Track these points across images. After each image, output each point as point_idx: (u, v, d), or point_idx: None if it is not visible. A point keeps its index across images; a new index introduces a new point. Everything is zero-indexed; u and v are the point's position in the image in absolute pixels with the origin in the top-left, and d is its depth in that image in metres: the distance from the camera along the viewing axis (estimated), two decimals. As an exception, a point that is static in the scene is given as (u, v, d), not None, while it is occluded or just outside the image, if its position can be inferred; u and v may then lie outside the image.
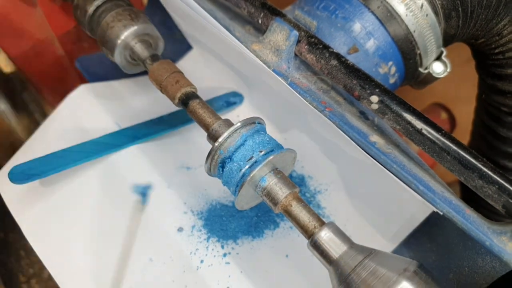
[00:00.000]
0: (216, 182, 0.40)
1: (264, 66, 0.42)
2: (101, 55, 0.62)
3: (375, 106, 0.38)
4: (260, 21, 0.45)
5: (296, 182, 0.52)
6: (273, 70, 0.43)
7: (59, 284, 0.46)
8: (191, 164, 0.53)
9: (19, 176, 0.46)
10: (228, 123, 0.40)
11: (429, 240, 0.42)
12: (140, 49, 0.48)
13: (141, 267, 0.46)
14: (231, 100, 0.58)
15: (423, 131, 0.36)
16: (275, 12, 0.44)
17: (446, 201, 0.36)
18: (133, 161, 0.52)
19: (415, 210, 0.39)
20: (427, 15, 0.45)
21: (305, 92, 0.43)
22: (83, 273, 0.46)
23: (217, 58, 0.58)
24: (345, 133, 0.40)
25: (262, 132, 0.38)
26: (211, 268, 0.46)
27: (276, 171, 0.37)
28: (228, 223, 0.48)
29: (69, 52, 0.69)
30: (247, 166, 0.36)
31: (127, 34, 0.47)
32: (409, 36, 0.46)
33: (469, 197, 0.44)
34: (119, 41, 0.47)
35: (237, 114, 0.58)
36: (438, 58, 0.51)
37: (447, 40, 0.49)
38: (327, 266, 0.34)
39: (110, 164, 0.51)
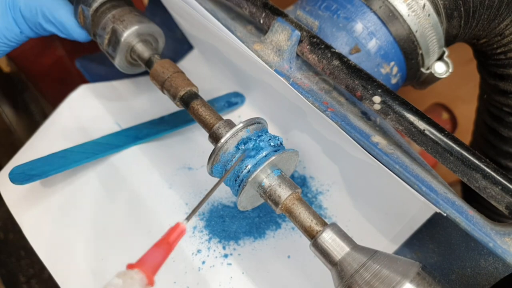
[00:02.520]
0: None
1: (266, 66, 0.42)
2: (101, 55, 0.62)
3: (377, 107, 0.38)
4: (261, 21, 0.45)
5: (298, 182, 0.52)
6: (275, 70, 0.43)
7: (59, 284, 0.46)
8: (193, 164, 0.53)
9: (20, 176, 0.45)
10: (230, 124, 0.39)
11: (431, 241, 0.41)
12: (141, 49, 0.47)
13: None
14: (233, 100, 0.58)
15: (426, 131, 0.36)
16: (277, 12, 0.44)
17: (449, 202, 0.36)
18: (134, 161, 0.52)
19: (417, 210, 0.39)
20: (429, 15, 0.45)
21: (307, 93, 0.42)
22: (83, 273, 0.46)
23: (218, 58, 0.57)
24: (347, 133, 0.39)
25: (264, 133, 0.38)
26: (213, 269, 0.45)
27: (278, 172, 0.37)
28: (229, 224, 0.48)
29: (69, 52, 0.69)
30: (249, 167, 0.36)
31: (128, 34, 0.47)
32: (411, 36, 0.46)
33: (471, 197, 0.44)
34: (120, 41, 0.47)
35: (239, 115, 0.58)
36: (440, 58, 0.50)
37: (449, 40, 0.49)
38: (329, 267, 0.33)
39: (111, 165, 0.51)
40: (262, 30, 0.47)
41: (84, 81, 0.60)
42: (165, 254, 0.29)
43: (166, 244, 0.29)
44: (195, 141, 0.56)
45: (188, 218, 0.31)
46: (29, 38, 0.52)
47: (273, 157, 0.36)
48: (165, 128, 0.54)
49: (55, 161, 0.48)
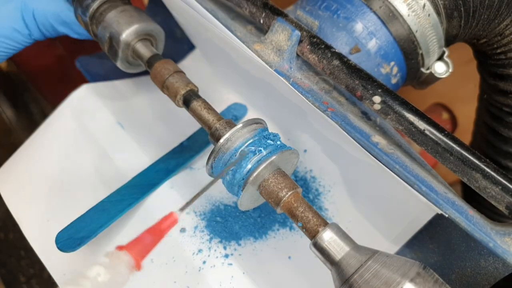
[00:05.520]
0: (219, 183, 0.40)
1: (266, 66, 0.42)
2: (101, 55, 0.62)
3: (377, 107, 0.38)
4: (261, 21, 0.45)
5: (299, 183, 0.52)
6: (275, 70, 0.43)
7: (59, 284, 0.46)
8: (194, 164, 0.53)
9: (69, 243, 0.42)
10: (230, 124, 0.39)
11: (431, 241, 0.41)
12: (142, 49, 0.47)
13: (142, 268, 0.45)
14: (238, 114, 0.57)
15: (426, 131, 0.36)
16: (277, 12, 0.44)
17: (449, 202, 0.36)
18: (135, 161, 0.52)
19: (418, 211, 0.39)
20: (429, 15, 0.45)
21: (307, 93, 0.42)
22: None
23: (219, 58, 0.57)
24: (347, 133, 0.39)
25: (264, 133, 0.38)
26: (213, 269, 0.45)
27: (279, 171, 0.37)
28: (230, 224, 0.48)
29: (69, 52, 0.69)
30: (249, 167, 0.36)
31: (128, 33, 0.47)
32: (411, 36, 0.46)
33: (471, 197, 0.44)
34: (120, 41, 0.47)
35: (239, 114, 0.58)
36: (440, 58, 0.50)
37: (449, 40, 0.49)
38: (329, 267, 0.33)
39: (114, 167, 0.51)
40: (262, 30, 0.47)
41: (84, 81, 0.60)
42: (155, 240, 0.29)
43: (157, 231, 0.30)
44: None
45: (182, 209, 0.31)
46: (36, 40, 0.52)
47: (273, 157, 0.36)
48: (191, 154, 0.53)
49: (98, 216, 0.45)
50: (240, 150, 0.37)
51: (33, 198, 0.51)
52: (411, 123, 0.37)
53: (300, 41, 0.43)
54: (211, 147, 0.53)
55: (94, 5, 0.48)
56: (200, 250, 0.46)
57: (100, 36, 0.49)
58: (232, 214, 0.49)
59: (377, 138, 0.40)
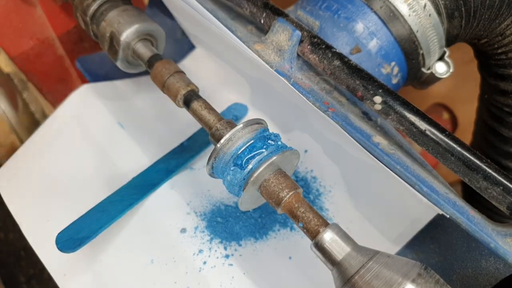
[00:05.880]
0: (220, 183, 0.40)
1: (267, 66, 0.42)
2: (101, 55, 0.62)
3: (378, 107, 0.38)
4: (262, 21, 0.45)
5: (299, 183, 0.51)
6: (276, 71, 0.43)
7: (59, 285, 0.46)
8: (195, 164, 0.53)
9: (69, 243, 0.42)
10: (231, 124, 0.39)
11: (432, 241, 0.41)
12: (142, 49, 0.47)
13: (142, 268, 0.45)
14: (238, 114, 0.57)
15: (427, 132, 0.36)
16: (278, 12, 0.44)
17: (450, 202, 0.36)
18: (135, 161, 0.52)
19: (419, 212, 0.39)
20: (430, 15, 0.45)
21: (308, 93, 0.42)
22: (84, 274, 0.46)
23: (220, 58, 0.57)
24: (348, 134, 0.39)
25: (265, 133, 0.38)
26: (214, 270, 0.45)
27: (279, 172, 0.37)
28: (231, 225, 0.48)
29: (69, 52, 0.69)
30: (250, 167, 0.36)
31: (128, 33, 0.47)
32: (412, 36, 0.46)
33: (472, 198, 0.44)
34: (120, 41, 0.47)
35: (239, 115, 0.58)
36: (441, 58, 0.50)
37: (450, 40, 0.49)
38: (330, 268, 0.33)
39: (114, 167, 0.51)
40: (263, 30, 0.47)
41: (84, 81, 0.60)
42: None
43: None
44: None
45: None
46: None
47: (274, 157, 0.36)
48: (191, 155, 0.53)
49: (98, 217, 0.45)
50: (241, 150, 0.37)
51: (33, 198, 0.51)
52: (412, 124, 0.37)
53: (301, 41, 0.43)
54: (211, 147, 0.52)
55: (95, 5, 0.48)
56: (200, 251, 0.46)
57: (100, 35, 0.48)
58: (232, 215, 0.49)
59: (378, 139, 0.40)
